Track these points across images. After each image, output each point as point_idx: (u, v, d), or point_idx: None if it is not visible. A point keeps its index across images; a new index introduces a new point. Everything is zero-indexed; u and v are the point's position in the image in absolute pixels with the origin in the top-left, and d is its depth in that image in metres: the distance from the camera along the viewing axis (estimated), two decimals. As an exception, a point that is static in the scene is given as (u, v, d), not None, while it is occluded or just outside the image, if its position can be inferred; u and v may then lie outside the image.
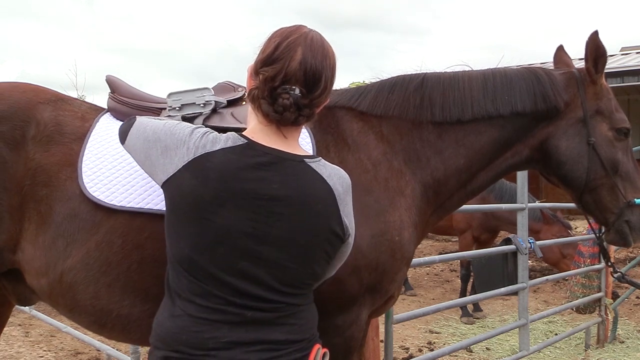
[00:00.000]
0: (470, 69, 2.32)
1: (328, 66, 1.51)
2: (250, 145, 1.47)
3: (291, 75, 1.45)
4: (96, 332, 2.06)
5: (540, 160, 2.30)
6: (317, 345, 1.53)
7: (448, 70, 2.31)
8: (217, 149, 1.46)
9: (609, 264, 2.82)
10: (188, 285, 1.46)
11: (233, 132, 1.52)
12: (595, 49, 2.24)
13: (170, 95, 2.10)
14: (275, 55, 1.47)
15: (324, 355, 1.55)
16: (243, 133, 1.51)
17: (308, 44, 1.48)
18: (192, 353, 1.43)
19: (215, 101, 2.04)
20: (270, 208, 1.43)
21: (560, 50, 2.52)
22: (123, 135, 1.65)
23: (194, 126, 1.54)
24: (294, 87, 1.45)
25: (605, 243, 2.49)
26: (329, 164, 1.57)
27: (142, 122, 1.62)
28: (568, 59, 2.47)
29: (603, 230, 2.40)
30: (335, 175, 1.52)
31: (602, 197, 2.25)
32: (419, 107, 2.18)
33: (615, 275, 2.86)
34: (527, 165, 2.38)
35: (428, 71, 2.29)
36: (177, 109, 2.05)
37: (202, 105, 2.04)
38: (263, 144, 1.48)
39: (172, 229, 1.50)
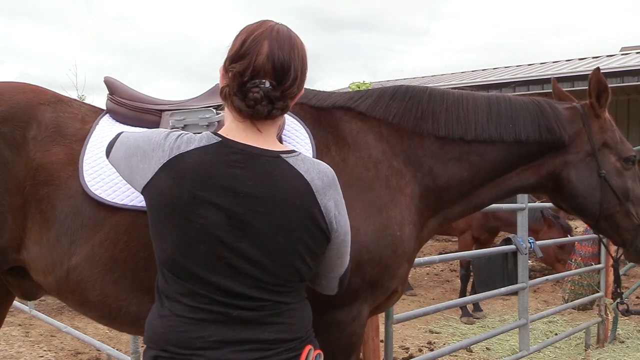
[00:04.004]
0: (474, 92, 2.36)
1: (297, 56, 1.49)
2: (225, 143, 1.46)
3: (259, 68, 1.44)
4: (106, 326, 2.09)
5: (551, 190, 2.39)
6: (309, 346, 1.51)
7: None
8: (191, 148, 1.46)
9: (619, 291, 2.80)
10: (174, 286, 1.47)
11: (208, 132, 1.52)
12: (597, 85, 2.34)
13: (172, 114, 2.10)
14: (242, 51, 1.47)
15: (317, 356, 1.53)
16: (219, 132, 1.51)
17: (274, 36, 1.48)
18: (180, 352, 1.43)
19: (217, 122, 2.05)
20: (246, 206, 1.42)
21: (554, 83, 2.66)
22: (109, 149, 1.66)
23: (170, 130, 1.55)
24: (263, 81, 1.44)
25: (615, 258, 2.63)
26: (310, 158, 1.55)
27: (126, 134, 1.63)
28: (563, 91, 2.59)
29: (619, 254, 2.53)
30: (314, 170, 1.50)
31: (618, 223, 2.37)
32: (419, 119, 2.21)
33: (620, 308, 2.97)
34: (537, 191, 2.47)
35: (433, 86, 2.34)
36: (181, 129, 2.05)
37: (205, 126, 2.04)
38: (238, 141, 1.47)
39: (155, 231, 1.50)
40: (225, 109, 1.56)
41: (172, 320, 1.45)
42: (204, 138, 1.48)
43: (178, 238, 1.44)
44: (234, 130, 1.50)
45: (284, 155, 1.49)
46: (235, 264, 1.43)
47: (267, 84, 1.44)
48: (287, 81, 1.47)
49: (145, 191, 1.51)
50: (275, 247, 1.44)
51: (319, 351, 1.54)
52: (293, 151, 1.53)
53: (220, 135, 1.49)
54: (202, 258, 1.43)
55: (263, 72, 1.45)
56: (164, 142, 1.48)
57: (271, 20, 1.55)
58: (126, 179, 1.59)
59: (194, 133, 2.03)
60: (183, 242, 1.44)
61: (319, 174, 1.50)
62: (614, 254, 2.62)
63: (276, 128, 1.56)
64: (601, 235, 2.53)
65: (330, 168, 1.57)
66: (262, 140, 1.49)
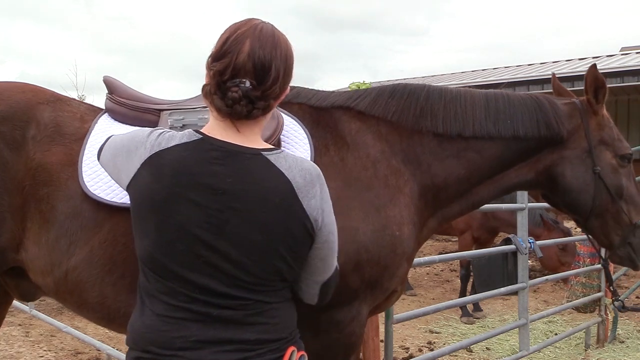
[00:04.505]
0: (472, 90, 2.36)
1: (279, 56, 1.47)
2: (205, 140, 1.45)
3: (240, 67, 1.42)
4: (105, 327, 2.09)
5: (546, 186, 2.38)
6: (292, 348, 1.48)
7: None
8: (171, 145, 1.45)
9: (612, 289, 2.86)
10: (155, 284, 1.46)
11: (190, 129, 1.51)
12: (594, 81, 2.33)
13: (171, 114, 2.09)
14: (224, 50, 1.45)
15: (300, 357, 1.50)
16: (201, 130, 1.50)
17: (257, 35, 1.46)
18: (160, 353, 1.41)
19: None
20: (225, 203, 1.40)
21: (554, 79, 2.62)
22: (99, 152, 1.66)
23: (155, 128, 1.54)
24: (244, 80, 1.42)
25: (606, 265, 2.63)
26: (293, 155, 1.53)
27: (114, 137, 1.64)
28: (563, 87, 2.58)
29: (607, 253, 2.49)
30: (296, 167, 1.47)
31: (608, 221, 2.34)
32: (418, 117, 2.21)
33: (616, 304, 2.95)
34: (533, 188, 2.45)
35: (430, 84, 2.34)
36: (179, 128, 2.05)
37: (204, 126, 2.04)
38: (219, 138, 1.46)
39: (136, 228, 1.50)
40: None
41: (153, 320, 1.44)
42: (185, 135, 1.48)
43: (157, 235, 1.43)
44: (216, 128, 1.49)
45: (265, 153, 1.47)
46: (214, 262, 1.41)
47: (247, 84, 1.42)
48: (267, 81, 1.45)
49: (129, 189, 1.50)
50: (254, 246, 1.42)
51: (302, 353, 1.52)
52: (275, 148, 1.51)
53: (201, 133, 1.48)
54: (181, 256, 1.42)
55: (243, 71, 1.43)
56: (146, 140, 1.48)
57: (257, 19, 1.53)
58: (114, 178, 1.59)
59: None
60: (162, 239, 1.43)
61: (302, 172, 1.48)
62: (603, 253, 2.61)
63: (259, 127, 1.53)
64: (590, 237, 2.50)
65: (316, 165, 1.54)
66: (242, 138, 1.47)
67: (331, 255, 1.58)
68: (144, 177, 1.45)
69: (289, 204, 1.44)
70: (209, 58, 1.49)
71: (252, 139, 1.49)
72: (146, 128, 1.57)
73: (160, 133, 1.50)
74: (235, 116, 1.45)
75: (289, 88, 1.56)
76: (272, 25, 1.53)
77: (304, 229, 1.46)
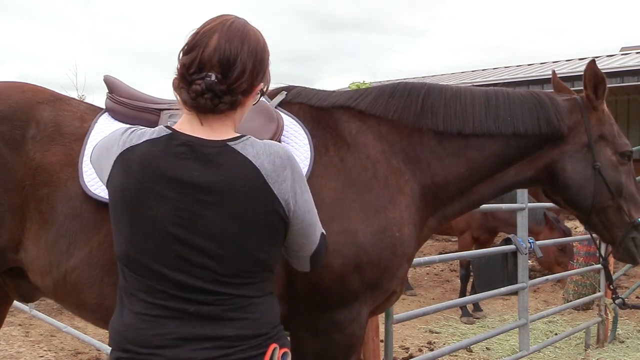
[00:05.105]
0: (472, 87, 2.35)
1: (246, 50, 1.47)
2: (174, 135, 1.46)
3: (205, 61, 1.44)
4: (103, 328, 2.07)
5: (546, 182, 2.37)
6: (274, 345, 1.47)
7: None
8: (141, 141, 1.46)
9: (612, 287, 2.87)
10: (132, 282, 1.45)
11: (161, 125, 1.52)
12: (593, 76, 2.33)
13: (171, 115, 2.09)
14: (193, 44, 1.47)
15: (283, 355, 1.49)
16: (173, 126, 1.51)
17: (225, 30, 1.47)
18: (138, 351, 1.40)
19: None
20: (194, 196, 1.40)
21: (554, 76, 2.62)
22: (91, 154, 1.68)
23: (130, 126, 1.56)
24: (209, 74, 1.43)
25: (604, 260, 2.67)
26: (260, 141, 1.51)
27: (104, 137, 1.64)
28: (563, 84, 2.57)
29: (607, 252, 2.49)
30: (264, 153, 1.46)
31: (609, 218, 2.34)
32: (419, 115, 2.21)
33: (617, 301, 2.96)
34: (533, 184, 2.44)
35: (430, 82, 2.34)
36: None
37: None
38: (187, 133, 1.47)
39: (113, 226, 1.50)
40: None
41: (131, 318, 1.44)
42: (155, 131, 1.49)
43: (130, 232, 1.44)
44: (186, 123, 1.50)
45: (231, 143, 1.46)
46: (188, 257, 1.40)
47: (213, 77, 1.43)
48: (232, 75, 1.45)
49: (107, 186, 1.51)
50: (228, 237, 1.41)
51: (285, 350, 1.51)
52: (242, 136, 1.50)
53: (171, 129, 1.49)
54: (154, 252, 1.41)
55: (209, 65, 1.44)
56: (120, 137, 1.50)
57: (230, 15, 1.54)
58: (99, 177, 1.60)
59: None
60: (134, 235, 1.43)
61: (270, 156, 1.47)
62: (603, 253, 2.62)
63: (232, 121, 1.52)
64: (594, 235, 2.51)
65: (285, 148, 1.53)
66: (210, 132, 1.48)
67: (312, 232, 1.57)
68: (116, 173, 1.46)
69: (259, 192, 1.43)
70: (179, 52, 1.50)
71: (218, 130, 1.49)
72: (125, 126, 1.58)
73: (133, 130, 1.51)
74: (200, 109, 1.46)
75: (262, 84, 1.55)
76: (245, 20, 1.54)
77: (277, 215, 1.46)
